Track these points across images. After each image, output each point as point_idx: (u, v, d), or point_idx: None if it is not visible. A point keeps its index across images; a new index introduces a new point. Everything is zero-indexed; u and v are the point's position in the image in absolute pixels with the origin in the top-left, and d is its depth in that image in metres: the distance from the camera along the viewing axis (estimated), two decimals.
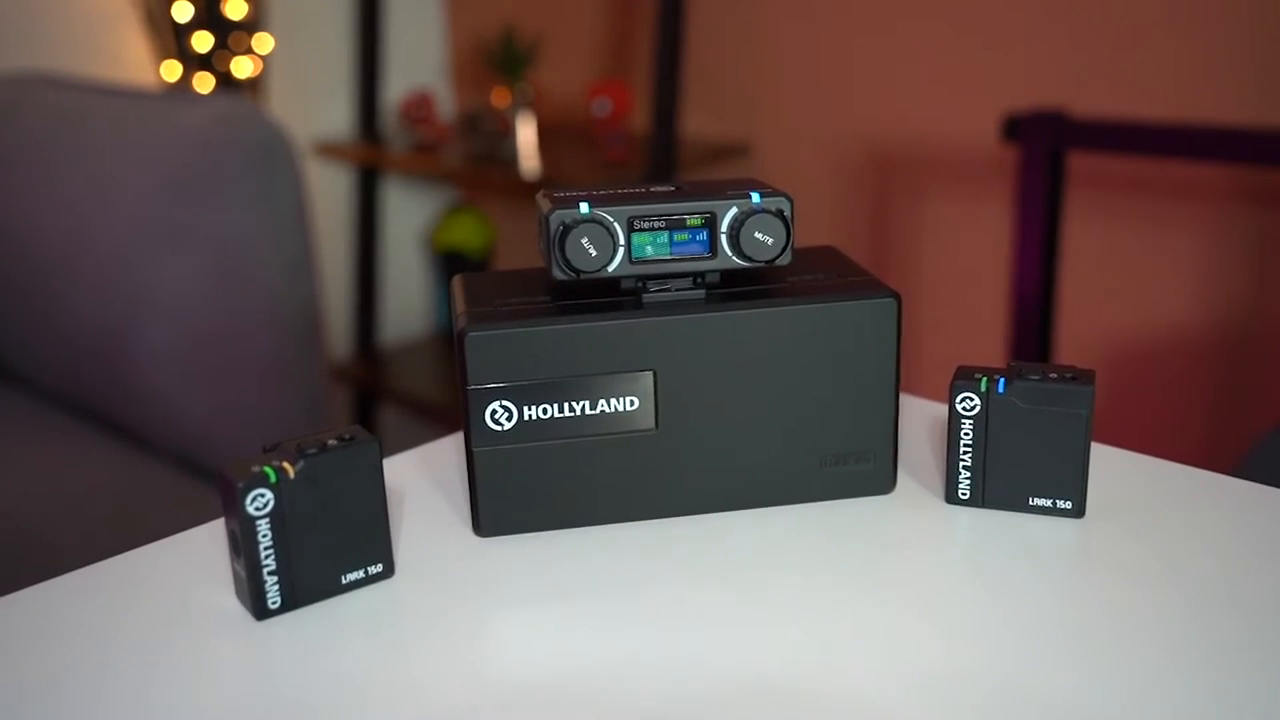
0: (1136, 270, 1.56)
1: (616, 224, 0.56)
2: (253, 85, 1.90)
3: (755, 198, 0.57)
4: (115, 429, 1.35)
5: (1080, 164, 1.52)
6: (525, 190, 2.02)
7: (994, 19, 1.60)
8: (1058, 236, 1.42)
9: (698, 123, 1.91)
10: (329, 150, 2.12)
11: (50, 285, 1.33)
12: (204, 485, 1.28)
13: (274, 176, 1.26)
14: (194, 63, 1.84)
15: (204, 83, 1.85)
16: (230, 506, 0.50)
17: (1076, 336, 1.61)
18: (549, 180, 1.77)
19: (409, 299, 2.36)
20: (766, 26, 1.83)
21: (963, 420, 0.57)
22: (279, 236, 1.27)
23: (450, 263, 2.25)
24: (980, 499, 0.59)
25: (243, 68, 1.88)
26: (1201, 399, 1.55)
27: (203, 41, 1.84)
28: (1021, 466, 0.57)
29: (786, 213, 0.57)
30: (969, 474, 0.58)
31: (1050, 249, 1.41)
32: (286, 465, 0.50)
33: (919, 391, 0.74)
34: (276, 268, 1.27)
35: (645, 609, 0.51)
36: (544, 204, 0.57)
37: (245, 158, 1.24)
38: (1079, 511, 0.57)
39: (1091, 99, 1.52)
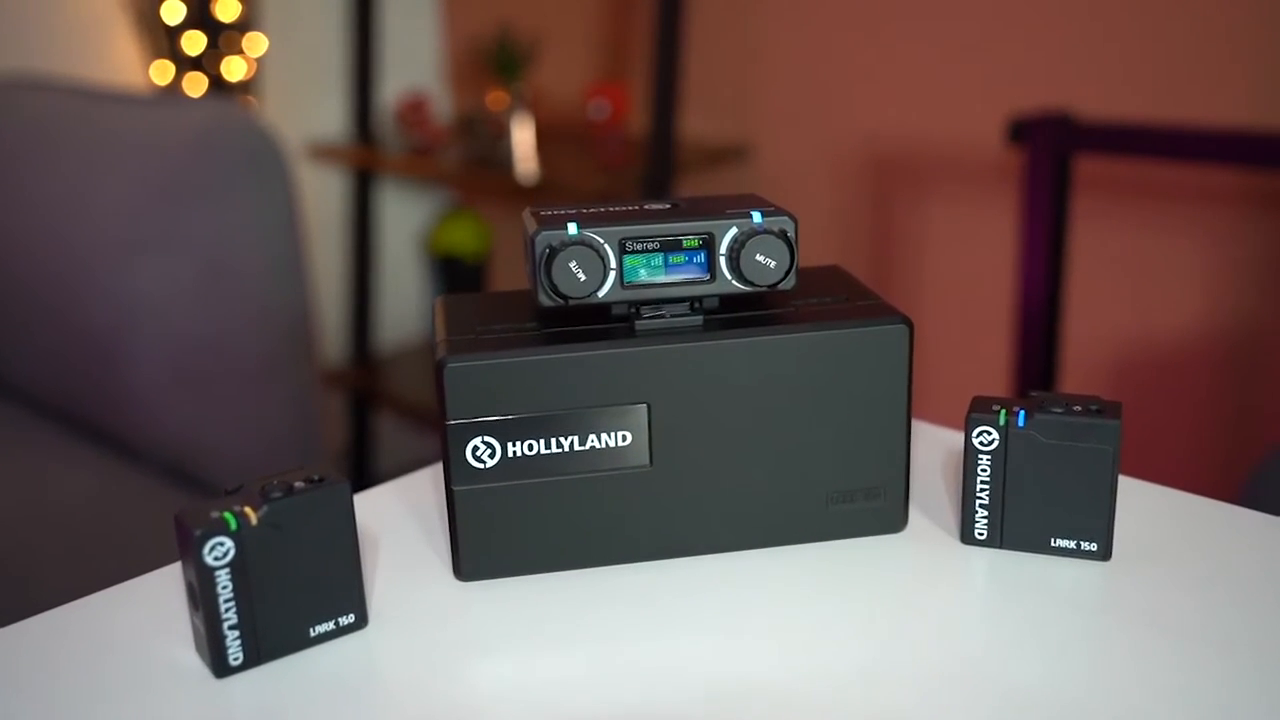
0: (1145, 276, 1.52)
1: (607, 245, 0.52)
2: (245, 87, 1.86)
3: (757, 217, 0.53)
4: (102, 437, 1.32)
5: (1087, 167, 1.49)
6: (522, 193, 1.98)
7: (998, 19, 1.57)
8: (1064, 241, 1.38)
9: (697, 125, 1.87)
10: (323, 152, 2.08)
11: (36, 291, 1.31)
12: (192, 496, 1.25)
13: (263, 181, 1.24)
14: (185, 64, 1.80)
15: (196, 84, 1.81)
16: (187, 556, 0.46)
17: (1084, 344, 1.57)
18: (546, 183, 1.74)
19: (405, 303, 2.32)
20: (766, 27, 1.79)
21: (979, 455, 0.54)
22: (269, 242, 1.25)
23: (447, 266, 2.21)
24: (998, 539, 0.55)
25: (235, 69, 1.84)
26: (1213, 407, 1.51)
27: (194, 43, 1.80)
28: (1043, 505, 0.53)
29: (790, 233, 0.53)
30: (986, 512, 0.54)
31: (1056, 254, 1.37)
32: (248, 510, 0.46)
33: (921, 410, 0.70)
34: (266, 273, 1.25)
35: (639, 659, 0.48)
36: (530, 223, 0.53)
37: (234, 162, 1.22)
38: (1105, 554, 0.53)
39: (1098, 101, 1.48)
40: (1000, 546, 0.55)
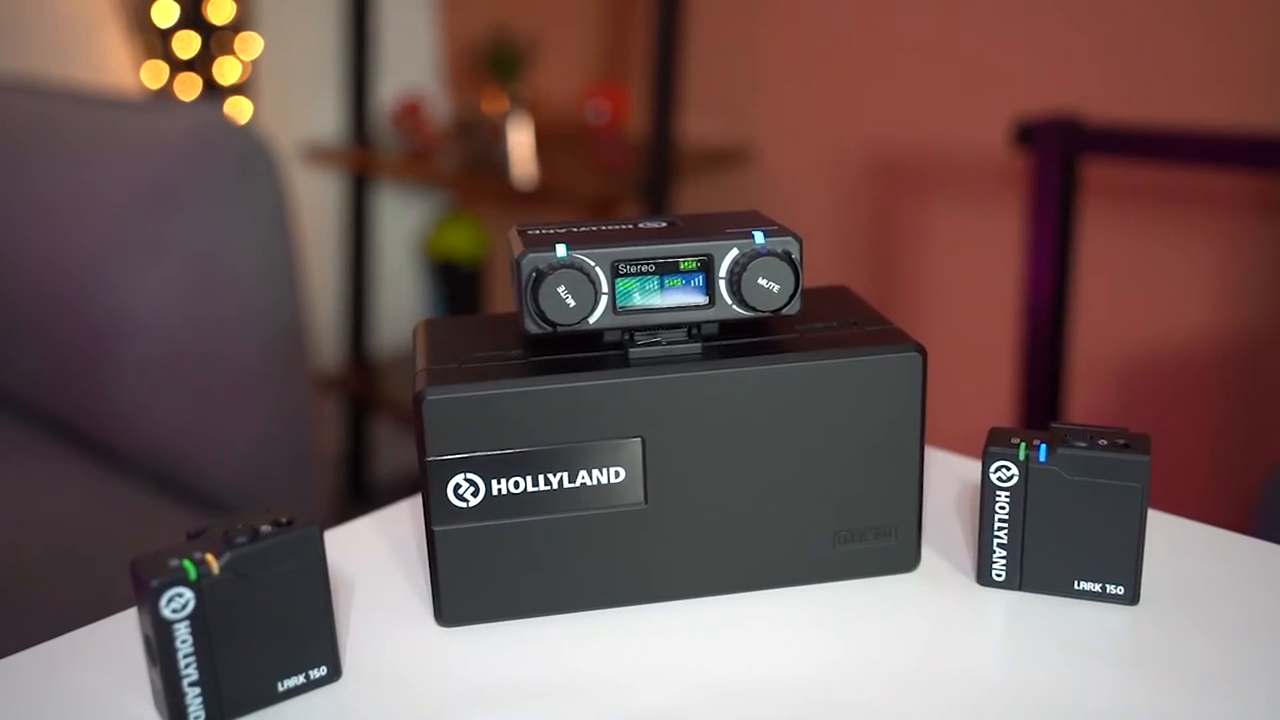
0: (1153, 281, 1.49)
1: (598, 268, 0.48)
2: (239, 89, 1.83)
3: (759, 237, 0.49)
4: (91, 445, 1.30)
5: (1094, 171, 1.45)
6: (520, 197, 1.95)
7: (1003, 19, 1.53)
8: (1071, 247, 1.34)
9: (696, 127, 1.84)
10: (319, 155, 2.05)
11: (24, 297, 1.30)
12: (183, 506, 1.22)
13: (254, 186, 1.22)
14: (178, 66, 1.77)
15: (189, 86, 1.78)
16: (143, 607, 0.43)
17: (1092, 350, 1.54)
18: (544, 187, 1.70)
19: (402, 307, 2.29)
20: (767, 28, 1.76)
21: (998, 492, 0.50)
22: (260, 247, 1.23)
23: (444, 270, 2.18)
24: (1017, 581, 0.51)
25: (229, 71, 1.81)
26: (1225, 415, 1.48)
27: (186, 44, 1.77)
28: (1065, 545, 0.50)
29: (795, 255, 0.49)
30: (1005, 552, 0.51)
31: (1064, 259, 1.34)
32: (210, 558, 0.43)
33: (929, 432, 0.66)
34: (258, 279, 1.23)
35: (632, 709, 0.44)
36: (516, 244, 0.50)
37: (224, 167, 1.20)
38: (1132, 598, 0.50)
39: (1106, 103, 1.45)
40: (1019, 589, 0.51)
